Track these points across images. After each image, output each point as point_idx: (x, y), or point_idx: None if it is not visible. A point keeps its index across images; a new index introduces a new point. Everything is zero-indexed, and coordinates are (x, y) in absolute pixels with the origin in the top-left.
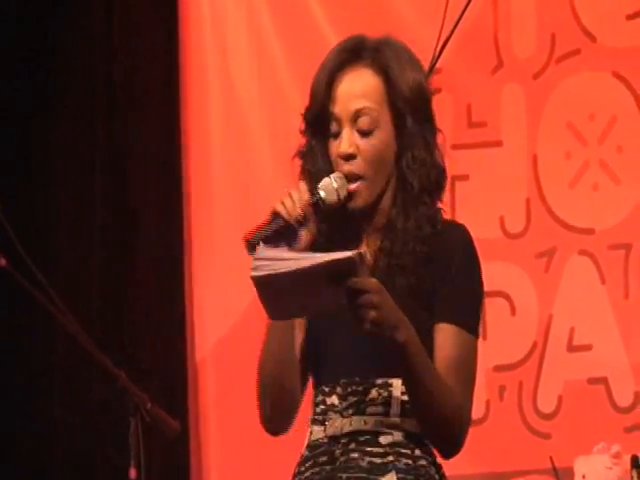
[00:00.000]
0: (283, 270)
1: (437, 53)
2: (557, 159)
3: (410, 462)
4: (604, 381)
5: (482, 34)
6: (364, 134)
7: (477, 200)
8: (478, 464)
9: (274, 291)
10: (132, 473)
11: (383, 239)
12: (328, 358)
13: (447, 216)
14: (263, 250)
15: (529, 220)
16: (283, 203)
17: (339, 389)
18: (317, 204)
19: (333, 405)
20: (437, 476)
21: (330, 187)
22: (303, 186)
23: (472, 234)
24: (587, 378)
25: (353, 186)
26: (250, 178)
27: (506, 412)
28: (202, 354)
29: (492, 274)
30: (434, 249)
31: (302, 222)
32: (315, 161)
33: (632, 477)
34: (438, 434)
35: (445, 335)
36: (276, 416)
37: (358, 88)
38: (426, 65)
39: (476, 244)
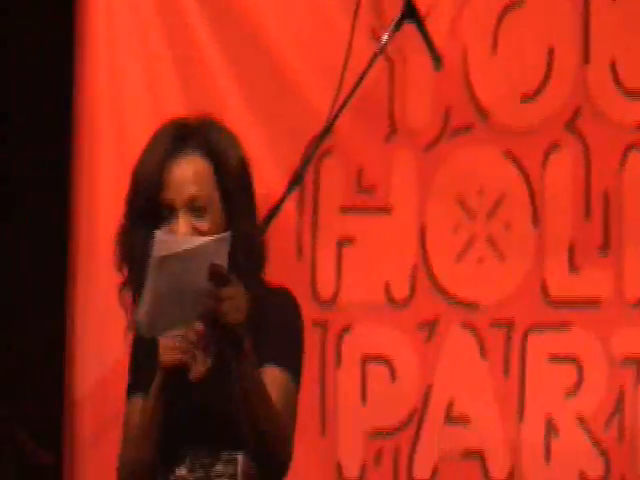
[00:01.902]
0: (176, 250)
1: (333, 115)
2: (445, 231)
3: None
4: (479, 454)
5: (377, 100)
6: (197, 218)
7: (363, 264)
8: None
9: (163, 285)
10: None
11: None
12: (176, 426)
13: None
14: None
15: (414, 289)
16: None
17: (187, 460)
18: None
19: (182, 477)
20: None
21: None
22: None
23: (356, 297)
24: (463, 449)
25: None
26: None
27: (381, 478)
28: (82, 391)
29: (374, 339)
30: (260, 319)
31: None
32: (138, 247)
33: None
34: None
35: None
36: None
37: (189, 174)
38: (320, 126)
39: (359, 308)
